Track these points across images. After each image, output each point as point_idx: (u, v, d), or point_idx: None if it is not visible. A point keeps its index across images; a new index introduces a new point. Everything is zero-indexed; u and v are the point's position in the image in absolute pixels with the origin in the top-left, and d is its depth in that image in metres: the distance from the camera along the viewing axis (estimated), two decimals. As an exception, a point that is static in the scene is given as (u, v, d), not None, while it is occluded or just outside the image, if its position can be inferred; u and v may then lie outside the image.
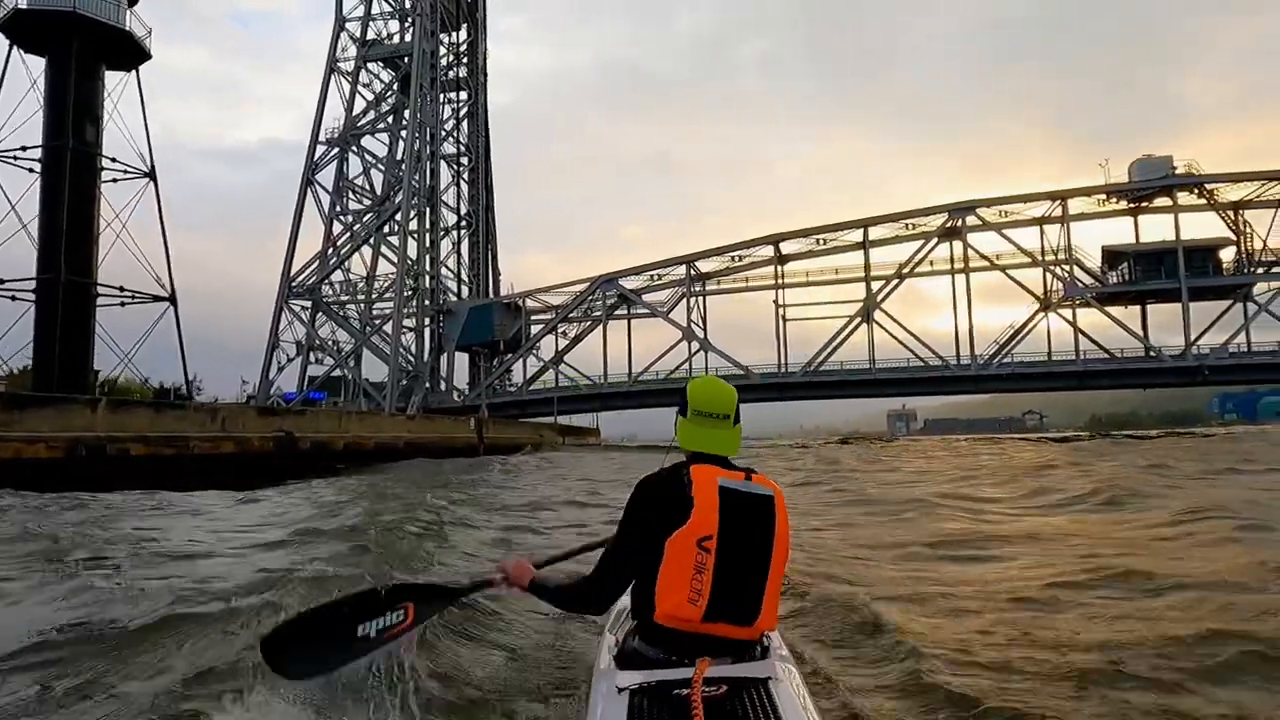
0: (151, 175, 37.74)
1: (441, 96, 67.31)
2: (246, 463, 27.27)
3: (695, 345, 58.91)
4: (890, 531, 8.58)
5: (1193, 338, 52.43)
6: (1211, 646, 3.75)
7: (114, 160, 36.39)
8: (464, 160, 68.95)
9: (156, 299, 37.87)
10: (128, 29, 36.15)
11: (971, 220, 56.00)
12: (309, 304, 63.25)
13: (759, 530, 2.14)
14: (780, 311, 58.96)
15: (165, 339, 38.82)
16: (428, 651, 3.61)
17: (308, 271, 63.40)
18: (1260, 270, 52.69)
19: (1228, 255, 53.99)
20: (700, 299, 61.00)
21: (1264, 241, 53.03)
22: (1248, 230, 52.86)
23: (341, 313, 63.91)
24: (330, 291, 64.17)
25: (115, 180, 36.72)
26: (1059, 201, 55.10)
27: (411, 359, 61.55)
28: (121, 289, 36.86)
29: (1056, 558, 6.40)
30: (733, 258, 60.49)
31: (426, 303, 62.72)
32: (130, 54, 36.74)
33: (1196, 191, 53.94)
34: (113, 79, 36.73)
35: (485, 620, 4.39)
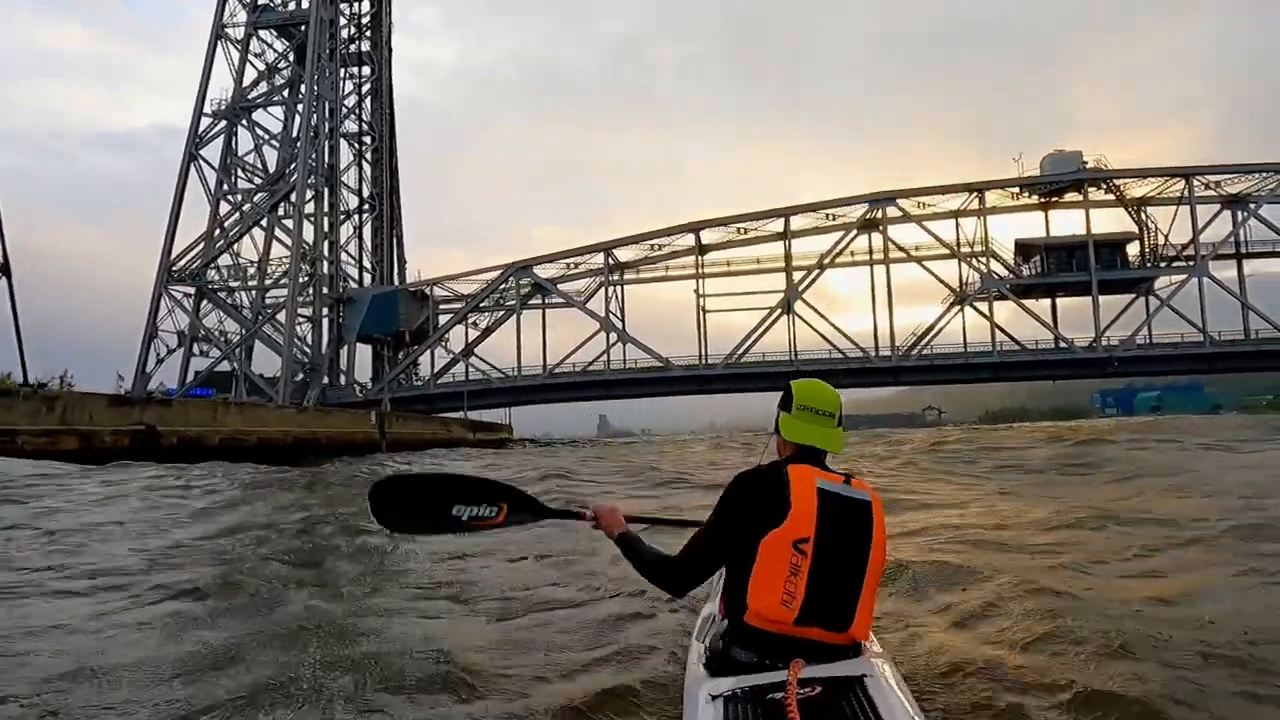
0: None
1: (342, 70, 62.17)
2: (93, 461, 22.84)
3: (614, 337, 56.00)
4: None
5: (1101, 330, 52.84)
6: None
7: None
8: (366, 139, 63.94)
9: (-13, 271, 32.22)
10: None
11: (891, 211, 55.00)
12: (192, 291, 57.39)
13: (856, 535, 2.05)
14: (700, 302, 56.75)
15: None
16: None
17: (191, 255, 57.47)
18: (1163, 264, 53.51)
19: (1133, 251, 54.71)
20: (619, 289, 58.14)
21: (1165, 237, 53.91)
22: (1152, 226, 53.61)
23: (230, 300, 58.20)
24: (217, 277, 58.37)
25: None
26: (975, 194, 54.72)
27: (308, 350, 56.44)
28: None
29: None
30: (652, 246, 57.89)
31: (325, 290, 57.63)
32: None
33: (1104, 187, 54.44)
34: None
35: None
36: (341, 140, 61.76)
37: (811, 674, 1.89)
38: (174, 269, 56.99)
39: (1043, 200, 56.42)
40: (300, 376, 56.17)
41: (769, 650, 2.01)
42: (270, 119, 59.71)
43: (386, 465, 24.84)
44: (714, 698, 1.89)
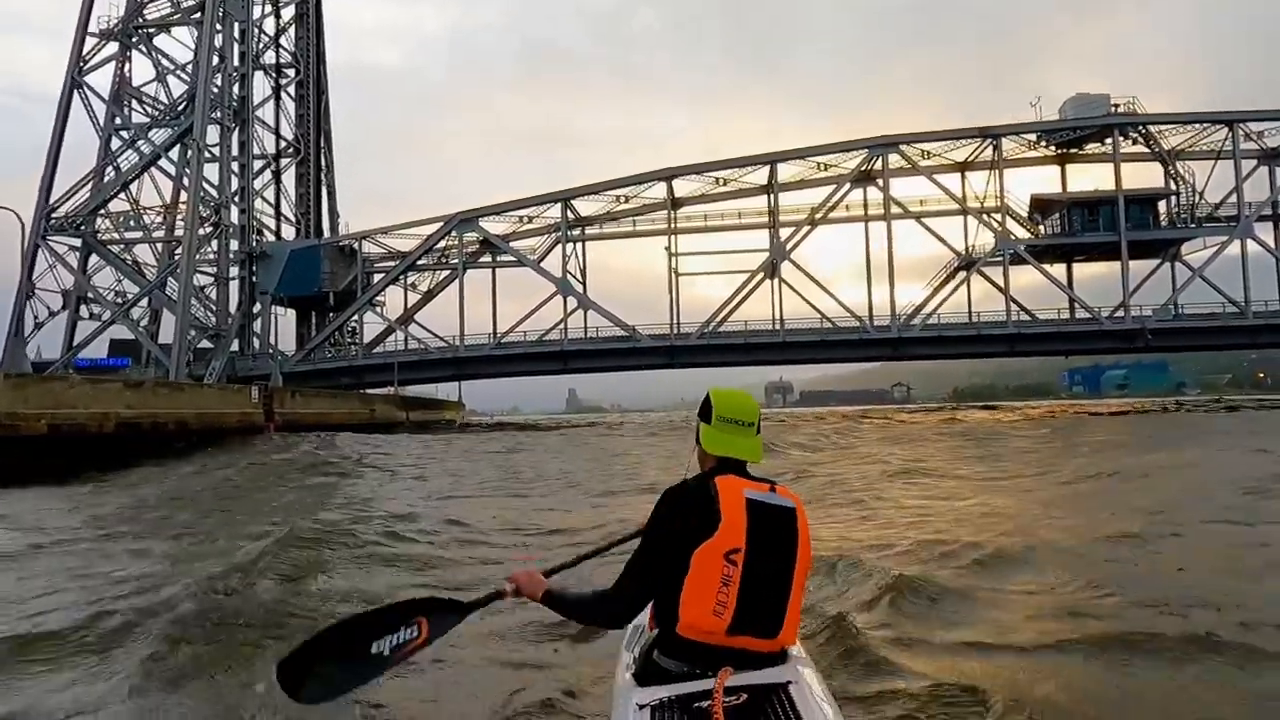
0: None
1: (259, -10, 51.06)
2: None
3: (573, 302, 46.27)
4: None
5: (1128, 300, 44.25)
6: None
7: None
8: (290, 72, 52.96)
9: None
10: None
11: (892, 161, 45.55)
12: (78, 242, 46.59)
13: (783, 543, 2.00)
14: (673, 262, 47.07)
15: None
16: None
17: (75, 200, 46.60)
18: (1194, 225, 44.85)
19: (1162, 210, 45.97)
20: (579, 246, 48.35)
21: (1200, 194, 45.25)
22: (1189, 181, 44.82)
23: (128, 255, 47.45)
24: (108, 226, 47.51)
25: None
26: (988, 141, 45.51)
27: (212, 313, 45.98)
28: None
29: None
30: (618, 198, 48.06)
31: (235, 244, 47.13)
32: None
33: (1133, 137, 45.54)
34: None
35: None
36: (259, 73, 50.97)
37: (737, 682, 1.84)
38: (54, 216, 46.16)
39: (1060, 152, 47.47)
40: (203, 344, 46.01)
41: (698, 660, 1.96)
42: (179, 47, 48.55)
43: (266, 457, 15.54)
44: (641, 707, 1.84)
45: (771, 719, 1.73)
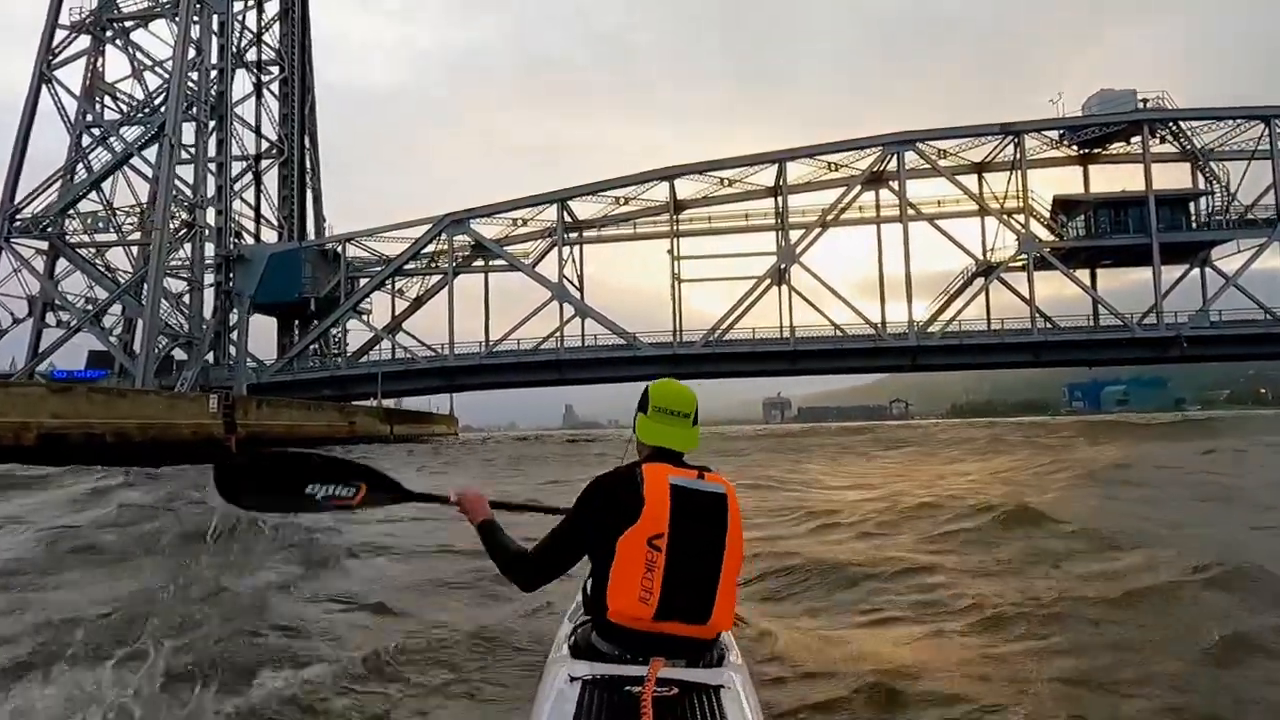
0: None
1: (241, -16, 48.23)
2: None
3: (569, 309, 43.03)
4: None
5: (1160, 306, 41.13)
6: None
7: None
8: (274, 69, 49.98)
9: None
10: None
11: (908, 159, 42.51)
12: (45, 246, 43.43)
13: (710, 528, 1.96)
14: (675, 267, 43.89)
15: None
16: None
17: (40, 201, 43.52)
18: (1229, 227, 41.83)
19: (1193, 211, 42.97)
20: (576, 250, 45.22)
21: (1233, 195, 42.24)
22: (1224, 181, 41.79)
23: (98, 261, 44.26)
24: (78, 228, 44.35)
25: None
26: (1009, 138, 42.54)
27: (185, 320, 42.66)
28: None
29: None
30: (617, 200, 44.98)
31: (211, 247, 43.92)
32: None
33: (1161, 135, 42.60)
34: None
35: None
36: (241, 70, 47.99)
37: (670, 675, 1.83)
38: (18, 217, 43.04)
39: (1083, 152, 44.53)
40: (181, 355, 42.73)
41: (630, 645, 1.94)
42: (156, 43, 45.58)
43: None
44: (573, 679, 1.84)
45: (698, 718, 1.71)
